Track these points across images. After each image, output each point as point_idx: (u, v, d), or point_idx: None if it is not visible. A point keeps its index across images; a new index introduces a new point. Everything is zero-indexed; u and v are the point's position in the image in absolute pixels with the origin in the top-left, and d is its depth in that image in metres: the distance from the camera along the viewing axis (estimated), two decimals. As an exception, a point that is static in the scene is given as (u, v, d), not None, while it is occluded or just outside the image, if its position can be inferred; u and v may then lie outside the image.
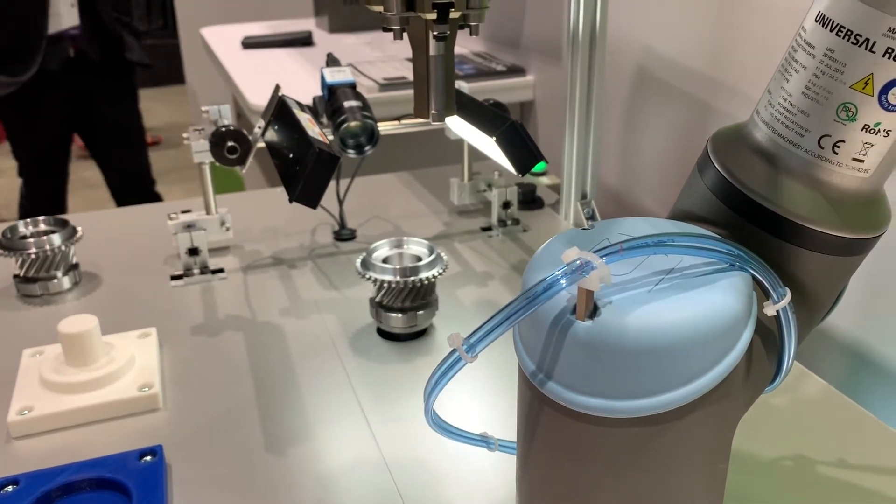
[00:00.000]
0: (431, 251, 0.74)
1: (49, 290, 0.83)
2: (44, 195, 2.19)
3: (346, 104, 0.83)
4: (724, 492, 0.41)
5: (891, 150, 0.38)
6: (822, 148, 0.38)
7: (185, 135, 0.83)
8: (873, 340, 0.75)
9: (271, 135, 0.73)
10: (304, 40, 1.76)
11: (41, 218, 0.87)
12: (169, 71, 4.01)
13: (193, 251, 0.85)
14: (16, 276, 0.83)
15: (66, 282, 0.84)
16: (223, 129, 0.76)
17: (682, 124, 0.99)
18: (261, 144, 0.78)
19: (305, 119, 0.68)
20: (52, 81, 2.03)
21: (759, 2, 0.82)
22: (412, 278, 0.70)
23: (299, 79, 1.45)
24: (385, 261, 0.74)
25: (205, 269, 0.86)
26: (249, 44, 1.73)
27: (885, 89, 0.36)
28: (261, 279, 0.86)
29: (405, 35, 0.53)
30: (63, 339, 0.65)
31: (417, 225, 0.99)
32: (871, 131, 0.37)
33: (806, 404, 0.65)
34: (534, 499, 0.42)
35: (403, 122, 0.88)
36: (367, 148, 0.82)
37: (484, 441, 0.47)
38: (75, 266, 0.86)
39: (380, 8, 0.52)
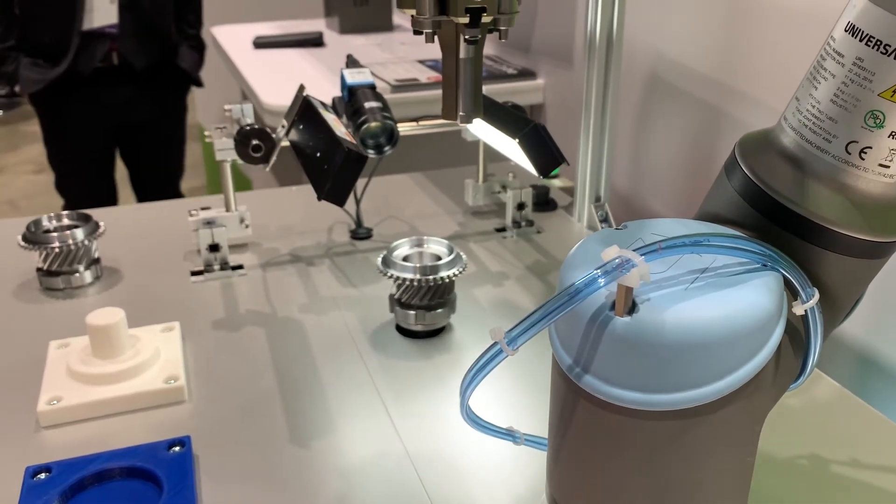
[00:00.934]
0: (451, 250, 0.75)
1: (71, 284, 0.84)
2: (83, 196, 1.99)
3: (367, 105, 0.85)
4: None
5: None
6: (849, 154, 0.40)
7: (206, 132, 0.85)
8: (882, 343, 0.76)
9: (296, 134, 0.74)
10: (314, 41, 1.77)
11: (64, 213, 0.88)
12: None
13: (214, 247, 0.87)
14: (39, 270, 0.84)
15: (88, 276, 0.85)
16: (248, 127, 0.77)
17: (693, 129, 1.00)
18: (284, 143, 0.79)
19: (332, 119, 0.69)
20: (88, 87, 1.86)
21: (772, 9, 0.84)
22: (432, 276, 0.72)
23: (311, 79, 1.47)
24: (405, 259, 0.75)
25: (225, 266, 0.87)
26: (261, 43, 1.75)
27: None
28: (280, 276, 0.87)
29: (436, 38, 0.54)
30: (91, 331, 0.66)
31: (432, 225, 1.00)
32: None
33: (819, 405, 0.66)
34: (567, 490, 0.44)
35: (421, 123, 0.89)
36: (386, 148, 0.83)
37: (510, 435, 0.48)
38: (97, 261, 0.87)
39: (412, 11, 0.54)
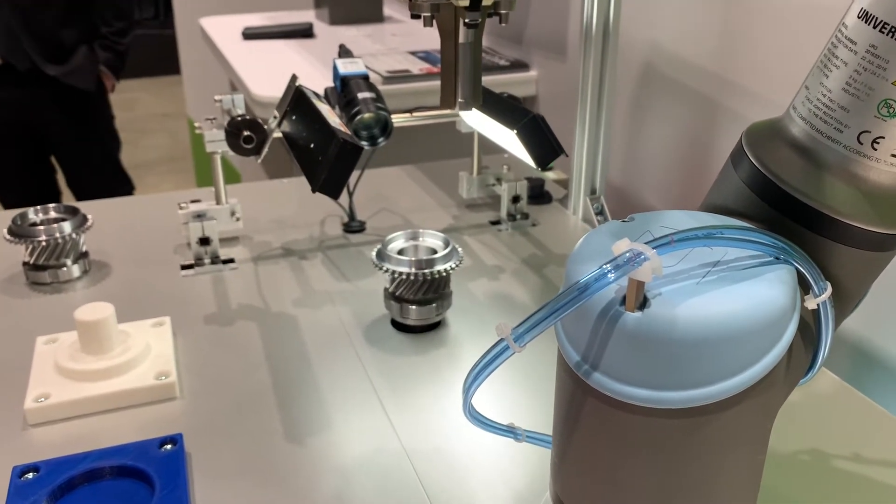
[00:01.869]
0: (447, 244, 0.74)
1: (59, 279, 0.83)
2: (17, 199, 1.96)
3: (360, 95, 0.83)
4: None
5: None
6: (861, 144, 0.39)
7: (197, 124, 0.83)
8: (881, 337, 0.76)
9: (288, 125, 0.73)
10: (304, 32, 1.75)
11: (51, 205, 0.86)
12: (159, 61, 3.99)
13: (204, 241, 0.85)
14: (25, 264, 0.83)
15: (75, 270, 0.84)
16: (239, 118, 0.76)
17: (688, 122, 0.99)
18: (276, 134, 0.77)
19: (325, 109, 0.68)
20: None
21: None
22: (428, 270, 0.71)
23: (301, 70, 1.45)
24: (400, 252, 0.74)
25: (216, 259, 0.86)
26: (250, 34, 1.73)
27: None
28: (272, 270, 0.86)
29: (435, 22, 0.53)
30: (80, 327, 0.65)
31: (426, 218, 0.99)
32: None
33: (819, 399, 0.65)
34: (573, 490, 0.43)
35: (415, 114, 0.88)
36: (380, 140, 0.81)
37: (511, 432, 0.48)
38: (85, 254, 0.85)
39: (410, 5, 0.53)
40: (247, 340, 0.73)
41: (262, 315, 0.77)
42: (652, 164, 1.08)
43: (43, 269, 0.82)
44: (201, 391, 0.66)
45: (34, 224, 0.84)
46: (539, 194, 1.03)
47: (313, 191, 0.60)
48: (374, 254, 0.73)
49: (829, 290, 0.38)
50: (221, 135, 0.79)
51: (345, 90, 0.86)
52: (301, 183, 1.10)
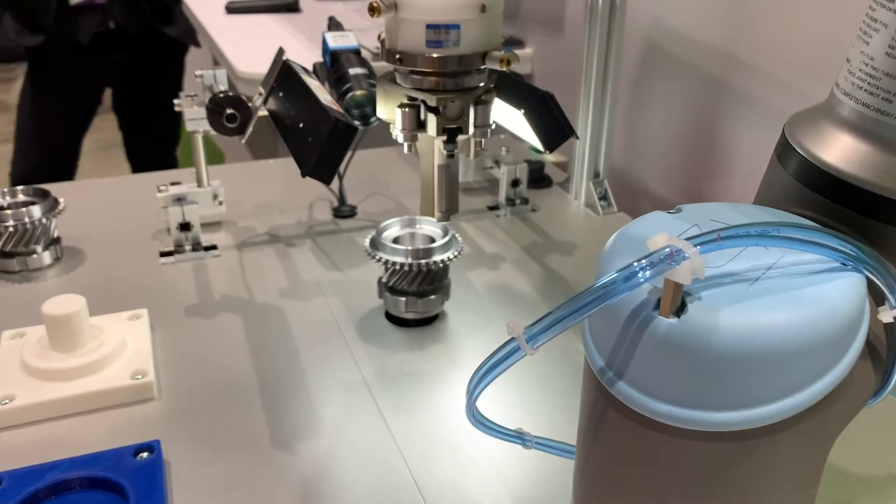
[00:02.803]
0: (445, 232, 0.69)
1: (28, 266, 0.77)
2: (46, 171, 1.92)
3: (352, 71, 0.78)
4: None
5: None
6: None
7: (176, 101, 0.77)
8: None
9: (275, 102, 0.67)
10: (289, 6, 1.69)
11: (19, 188, 0.80)
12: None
13: (185, 226, 0.80)
14: (-9, 251, 0.77)
15: (46, 257, 0.78)
16: (221, 94, 0.70)
17: (694, 101, 0.95)
18: (261, 112, 0.72)
19: (315, 85, 0.62)
20: (85, 54, 1.82)
21: (791, -27, 0.78)
22: (425, 261, 0.66)
23: (287, 45, 1.39)
24: (396, 241, 0.69)
25: (197, 246, 0.81)
26: (234, 8, 1.66)
27: None
28: (257, 257, 0.81)
29: (414, 147, 0.58)
30: (48, 322, 0.60)
31: (420, 202, 0.94)
32: None
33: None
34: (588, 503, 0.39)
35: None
36: (373, 119, 0.76)
37: (520, 438, 0.43)
38: (57, 240, 0.80)
39: (392, 124, 0.57)
40: (231, 335, 0.68)
41: (247, 307, 0.72)
42: (654, 147, 1.03)
43: (11, 257, 0.77)
44: (181, 392, 0.61)
45: (1, 208, 0.78)
46: (539, 178, 0.98)
47: (303, 175, 0.55)
48: (367, 242, 0.68)
49: None
50: (203, 113, 0.73)
51: (335, 65, 0.80)
52: (288, 164, 1.04)
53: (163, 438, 0.54)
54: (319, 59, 0.85)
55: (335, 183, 0.91)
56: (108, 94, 2.05)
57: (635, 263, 0.30)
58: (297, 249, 0.83)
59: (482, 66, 0.55)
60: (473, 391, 0.35)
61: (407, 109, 0.56)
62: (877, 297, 0.33)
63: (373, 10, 0.53)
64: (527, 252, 0.83)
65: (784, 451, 0.33)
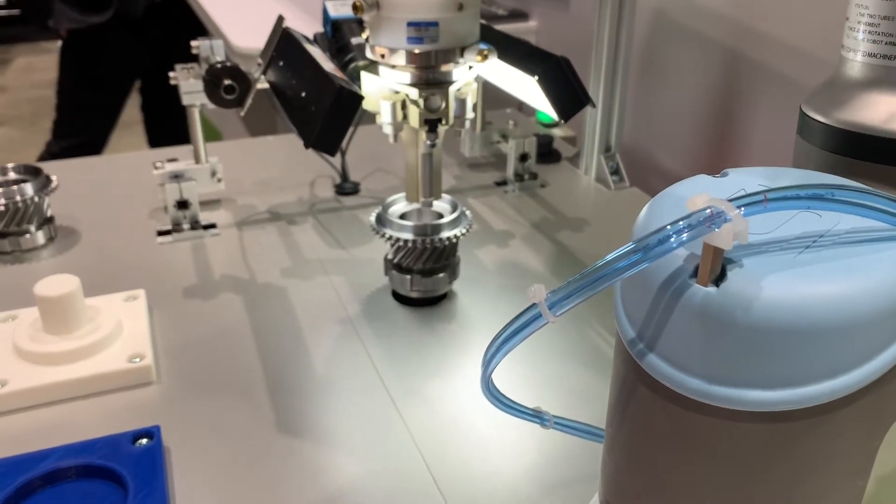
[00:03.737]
0: (454, 207, 0.66)
1: (21, 247, 0.74)
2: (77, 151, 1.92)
3: (354, 41, 0.75)
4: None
5: None
6: None
7: (171, 74, 0.74)
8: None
9: (275, 73, 0.64)
10: (287, -20, 1.65)
11: (10, 165, 0.77)
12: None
13: (183, 204, 0.77)
14: (-18, 231, 0.74)
15: (39, 237, 0.75)
16: (219, 65, 0.67)
17: (706, 73, 0.92)
18: (261, 85, 0.69)
19: (318, 53, 0.60)
20: (133, 28, 1.83)
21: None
22: (434, 237, 0.63)
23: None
24: (402, 217, 0.66)
25: (195, 225, 0.78)
26: (229, -17, 1.62)
27: None
28: (258, 236, 0.78)
29: (399, 137, 0.61)
30: (41, 303, 0.57)
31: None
32: None
33: None
34: (618, 490, 0.36)
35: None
36: (377, 91, 0.73)
37: (538, 417, 0.41)
38: (50, 219, 0.77)
39: (378, 114, 0.60)
40: (231, 316, 0.65)
41: (249, 287, 0.69)
42: (665, 121, 1.00)
43: (3, 237, 0.74)
44: (181, 375, 0.58)
45: (-8, 186, 0.75)
46: (547, 152, 0.95)
47: (306, 146, 0.52)
48: (373, 218, 0.65)
49: None
50: (199, 85, 0.71)
51: (336, 35, 0.77)
52: (288, 140, 1.01)
53: (162, 424, 0.52)
54: (319, 30, 0.82)
55: (337, 159, 0.88)
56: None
57: (669, 226, 0.27)
58: (299, 227, 0.80)
59: (460, 61, 0.58)
60: (490, 362, 0.33)
61: (391, 102, 0.58)
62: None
63: (356, 9, 0.56)
64: (536, 228, 0.80)
65: (833, 435, 0.30)
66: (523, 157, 0.89)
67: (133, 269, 0.72)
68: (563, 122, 0.60)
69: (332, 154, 0.54)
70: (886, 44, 0.36)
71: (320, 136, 0.52)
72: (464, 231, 0.65)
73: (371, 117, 0.87)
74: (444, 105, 0.58)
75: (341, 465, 0.50)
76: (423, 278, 0.65)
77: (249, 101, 0.67)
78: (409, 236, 0.63)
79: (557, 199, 0.86)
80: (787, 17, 0.78)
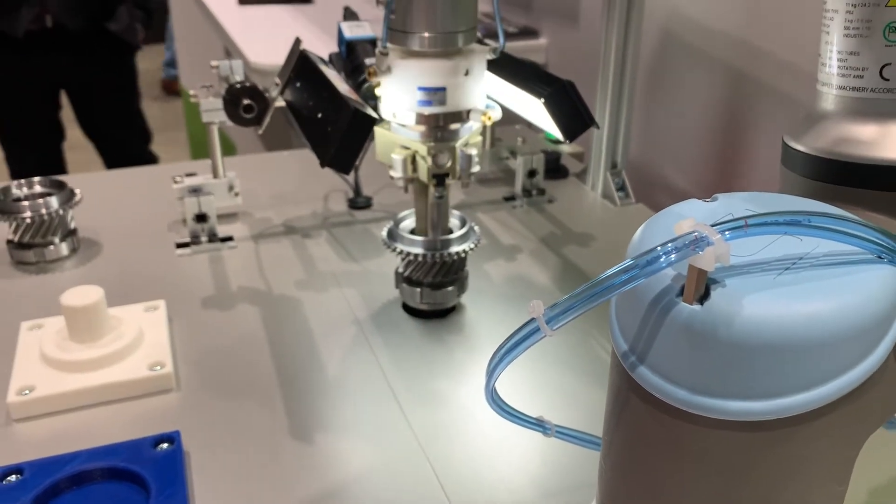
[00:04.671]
0: (464, 223, 0.69)
1: (45, 258, 0.77)
2: (32, 166, 1.94)
3: (368, 61, 0.77)
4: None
5: None
6: (886, 80, 0.37)
7: (192, 92, 0.77)
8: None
9: (292, 93, 0.67)
10: (303, -3, 1.69)
11: (36, 179, 0.80)
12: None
13: (201, 217, 0.80)
14: (9, 242, 0.77)
15: (63, 248, 0.78)
16: (238, 85, 0.70)
17: (712, 91, 0.94)
18: (278, 103, 0.72)
19: (333, 75, 0.62)
20: (20, 51, 1.77)
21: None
22: (443, 252, 0.65)
23: (301, 36, 1.39)
24: (413, 232, 0.69)
25: (213, 237, 0.81)
26: (246, 0, 1.66)
27: None
28: (273, 249, 0.81)
29: (409, 188, 0.65)
30: (67, 313, 0.60)
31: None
32: None
33: None
34: (611, 491, 0.38)
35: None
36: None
37: (540, 425, 0.43)
38: (73, 231, 0.80)
39: (390, 169, 0.63)
40: (248, 326, 0.68)
41: (264, 298, 0.72)
42: (671, 139, 1.02)
43: (28, 248, 0.77)
44: (200, 383, 0.61)
45: (18, 199, 0.78)
46: (555, 168, 0.97)
47: (322, 165, 0.55)
48: (384, 233, 0.67)
49: None
50: (219, 104, 0.73)
51: (351, 55, 0.80)
52: (302, 155, 1.04)
53: (182, 429, 0.54)
54: (334, 49, 0.84)
55: (351, 175, 0.91)
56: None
57: (659, 248, 0.30)
58: (313, 241, 0.82)
59: (467, 121, 0.62)
60: (493, 372, 0.35)
61: (402, 157, 0.62)
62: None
63: (370, 75, 0.60)
64: (544, 243, 0.82)
65: (811, 443, 0.32)
66: (531, 173, 0.91)
67: (153, 280, 0.75)
68: (567, 141, 0.62)
69: (347, 172, 0.57)
70: (855, 76, 0.38)
71: (336, 155, 0.54)
72: (472, 246, 0.67)
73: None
74: (450, 162, 0.62)
75: (352, 467, 0.52)
76: (433, 291, 0.68)
77: (267, 119, 0.70)
78: (419, 251, 0.65)
79: (564, 215, 0.89)
80: (792, 38, 0.81)
